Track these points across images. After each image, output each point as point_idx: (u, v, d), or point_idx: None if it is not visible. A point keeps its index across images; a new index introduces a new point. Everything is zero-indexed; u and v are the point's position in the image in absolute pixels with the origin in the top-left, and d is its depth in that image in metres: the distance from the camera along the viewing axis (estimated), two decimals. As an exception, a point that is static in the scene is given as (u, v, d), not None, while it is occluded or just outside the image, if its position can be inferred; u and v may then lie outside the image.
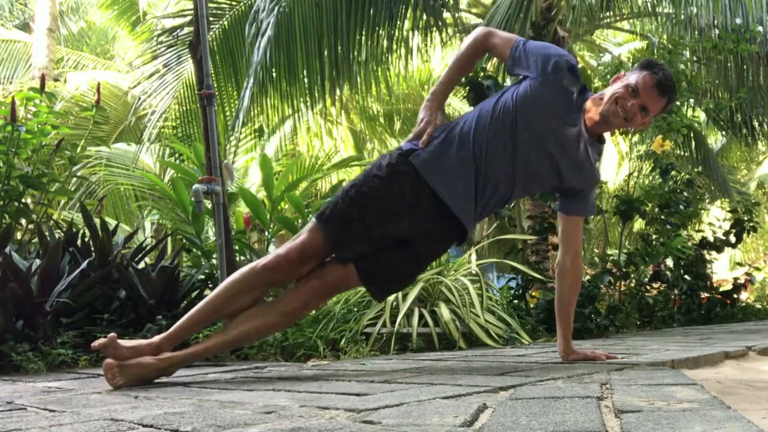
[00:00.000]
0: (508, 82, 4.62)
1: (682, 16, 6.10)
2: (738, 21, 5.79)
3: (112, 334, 2.01)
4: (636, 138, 5.95)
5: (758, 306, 7.32)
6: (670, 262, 5.75)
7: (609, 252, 5.63)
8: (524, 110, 2.21)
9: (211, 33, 6.33)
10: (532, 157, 2.23)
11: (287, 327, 2.60)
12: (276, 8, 5.54)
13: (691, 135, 7.75)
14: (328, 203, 2.26)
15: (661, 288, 5.71)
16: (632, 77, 2.25)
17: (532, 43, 2.31)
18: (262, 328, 2.19)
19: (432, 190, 2.19)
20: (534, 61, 2.24)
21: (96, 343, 2.00)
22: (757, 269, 8.44)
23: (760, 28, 6.00)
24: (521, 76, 2.32)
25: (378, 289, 2.28)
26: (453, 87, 2.44)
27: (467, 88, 4.61)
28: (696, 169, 7.83)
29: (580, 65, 8.81)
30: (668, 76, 2.25)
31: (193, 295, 3.46)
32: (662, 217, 5.26)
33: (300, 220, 3.94)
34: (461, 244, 2.47)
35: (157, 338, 2.10)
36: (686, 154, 8.15)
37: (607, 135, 2.42)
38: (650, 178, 5.99)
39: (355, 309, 3.46)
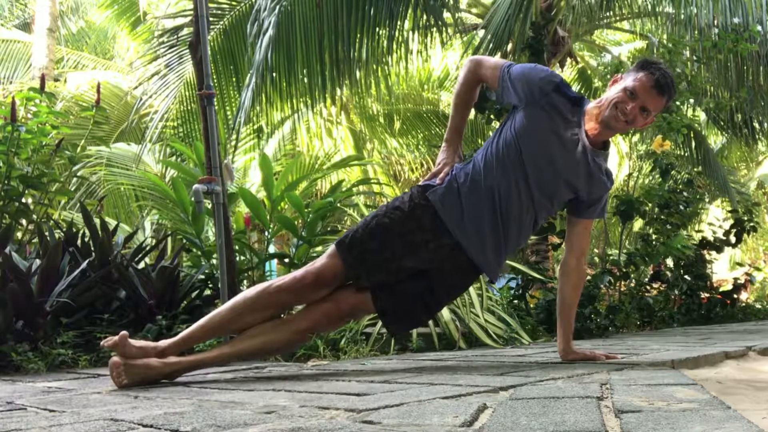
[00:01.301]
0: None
1: (682, 16, 6.10)
2: (736, 20, 5.78)
3: (124, 333, 2.01)
4: (636, 138, 5.95)
5: (758, 306, 7.32)
6: (670, 262, 5.75)
7: (609, 252, 5.62)
8: (525, 141, 2.23)
9: (211, 33, 6.34)
10: (544, 182, 2.25)
11: (296, 346, 2.60)
12: (277, 7, 5.54)
13: (691, 135, 7.74)
14: (348, 231, 2.28)
15: (661, 288, 5.71)
16: (629, 79, 2.24)
17: (515, 69, 2.31)
18: (271, 344, 2.20)
19: (449, 229, 2.21)
20: (521, 89, 2.25)
21: (109, 343, 1.99)
22: (757, 269, 8.44)
23: (759, 28, 6.00)
24: (514, 106, 2.33)
25: (393, 322, 2.27)
26: (464, 126, 2.46)
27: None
28: (696, 169, 7.82)
29: (580, 65, 8.83)
30: (665, 74, 2.25)
31: (193, 295, 3.46)
32: (662, 217, 5.26)
33: (300, 220, 3.94)
34: (492, 284, 2.50)
35: (164, 343, 2.10)
36: (686, 154, 8.14)
37: (609, 139, 2.42)
38: (650, 178, 5.99)
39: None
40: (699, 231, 6.78)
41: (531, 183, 2.24)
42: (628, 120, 2.24)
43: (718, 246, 6.16)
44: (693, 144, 8.18)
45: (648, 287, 5.60)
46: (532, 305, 4.44)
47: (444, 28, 6.12)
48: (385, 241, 2.19)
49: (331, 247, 2.24)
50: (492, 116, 4.84)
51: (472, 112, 3.51)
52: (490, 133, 2.51)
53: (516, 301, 4.43)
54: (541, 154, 2.24)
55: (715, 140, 11.61)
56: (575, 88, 8.67)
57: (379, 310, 2.22)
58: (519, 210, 2.25)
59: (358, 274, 2.19)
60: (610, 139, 2.42)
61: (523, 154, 2.23)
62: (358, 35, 5.88)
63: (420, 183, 2.35)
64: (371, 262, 2.18)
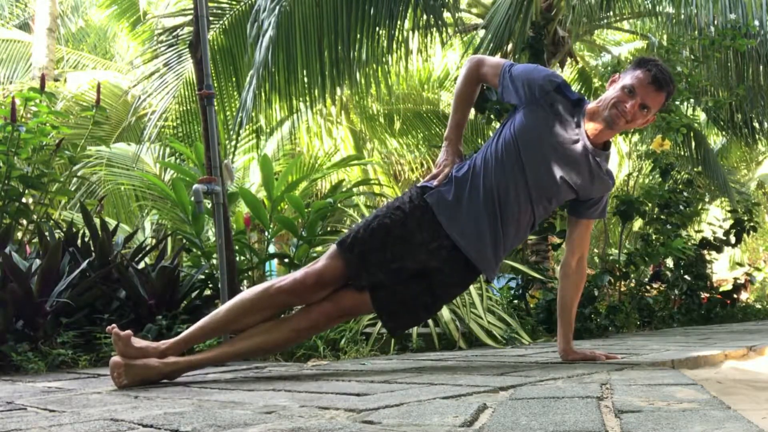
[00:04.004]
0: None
1: (682, 16, 6.10)
2: (732, 17, 5.78)
3: (128, 332, 2.02)
4: (636, 138, 5.95)
5: (758, 306, 7.33)
6: (670, 262, 5.75)
7: (609, 252, 5.62)
8: (524, 140, 2.23)
9: (211, 33, 6.34)
10: (543, 184, 2.25)
11: (294, 344, 2.61)
12: (277, 8, 5.54)
13: (691, 135, 7.75)
14: (349, 231, 2.28)
15: (661, 288, 5.71)
16: (627, 78, 2.25)
17: (516, 68, 2.31)
18: (270, 343, 2.20)
19: (446, 230, 2.22)
20: (521, 88, 2.26)
21: (115, 329, 2.01)
22: (757, 269, 8.44)
23: (756, 22, 6.00)
24: (514, 106, 2.33)
25: (391, 321, 2.27)
26: (464, 125, 2.45)
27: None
28: (696, 169, 7.83)
29: (580, 65, 8.83)
30: (663, 70, 2.25)
31: (193, 295, 3.46)
32: (662, 217, 5.26)
33: (300, 220, 3.94)
34: (489, 283, 2.50)
35: (164, 343, 2.10)
36: (686, 154, 8.15)
37: (609, 139, 2.42)
38: (650, 178, 5.99)
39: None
40: (699, 231, 6.78)
41: (530, 183, 2.24)
42: (629, 118, 2.24)
43: (718, 246, 6.16)
44: (693, 144, 8.18)
45: (648, 287, 5.60)
46: (532, 305, 4.44)
47: (444, 28, 6.12)
48: (386, 242, 2.19)
49: (332, 248, 2.24)
50: (492, 116, 4.84)
51: (472, 111, 3.51)
52: (491, 133, 2.52)
53: (516, 301, 4.43)
54: (540, 154, 2.24)
55: (715, 140, 11.61)
56: (575, 88, 8.66)
57: (378, 310, 2.22)
58: (517, 210, 2.26)
59: (358, 274, 2.19)
60: (610, 140, 2.42)
61: (521, 154, 2.23)
62: (358, 35, 5.88)
63: (419, 184, 2.35)
64: (372, 261, 2.18)
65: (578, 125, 2.26)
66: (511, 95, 2.30)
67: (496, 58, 2.49)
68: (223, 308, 2.21)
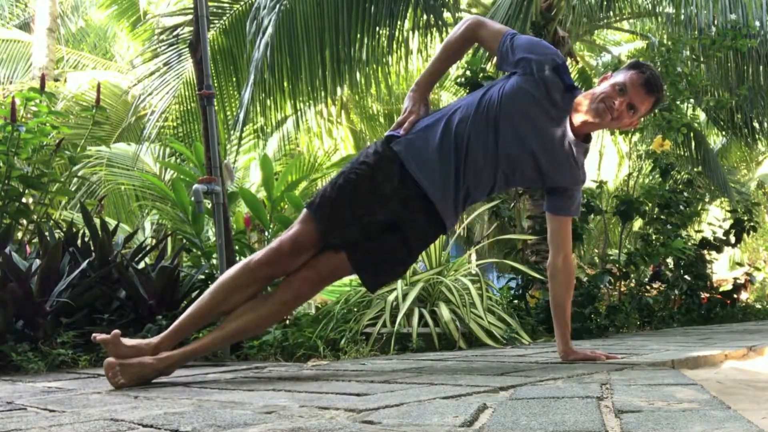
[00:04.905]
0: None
1: (682, 17, 6.10)
2: (733, 17, 5.78)
3: (116, 331, 2.01)
4: (636, 138, 5.95)
5: (758, 306, 7.32)
6: (670, 261, 5.75)
7: (609, 252, 5.62)
8: (508, 106, 2.21)
9: (211, 32, 6.33)
10: (512, 152, 2.23)
11: (282, 317, 2.60)
12: (277, 6, 5.54)
13: (691, 135, 7.75)
14: (317, 192, 2.27)
15: (661, 288, 5.70)
16: (620, 76, 2.25)
17: (519, 38, 2.29)
18: (258, 319, 2.18)
19: (415, 178, 2.20)
20: (520, 59, 2.24)
21: (99, 337, 2.00)
22: (757, 269, 8.45)
23: (757, 23, 6.00)
24: (510, 72, 2.31)
25: (370, 278, 2.25)
26: (439, 76, 2.42)
27: (467, 88, 4.61)
28: (696, 169, 7.83)
29: (580, 65, 8.83)
30: (655, 76, 2.25)
31: (193, 295, 3.46)
32: (662, 217, 5.26)
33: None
34: (445, 233, 2.47)
35: (155, 338, 2.09)
36: (686, 154, 8.14)
37: (607, 135, 2.43)
38: (650, 178, 5.99)
39: (355, 309, 3.46)
40: (699, 231, 6.78)
41: (500, 145, 2.21)
42: (615, 115, 2.23)
43: (718, 246, 6.16)
44: (693, 144, 8.18)
45: (648, 287, 5.60)
46: (532, 305, 4.44)
47: (444, 28, 6.12)
48: (354, 196, 2.16)
49: (303, 212, 2.22)
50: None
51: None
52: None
53: (516, 301, 4.43)
54: (518, 124, 2.21)
55: (715, 140, 11.61)
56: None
57: (356, 269, 2.20)
58: (482, 164, 2.22)
59: (331, 232, 2.16)
60: (591, 134, 2.41)
61: (500, 116, 2.20)
62: (359, 34, 5.89)
63: (385, 134, 2.31)
64: (343, 219, 2.15)
65: (565, 110, 2.26)
66: (508, 62, 2.27)
67: (499, 24, 2.44)
68: (207, 292, 2.19)
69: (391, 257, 2.23)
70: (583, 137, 2.33)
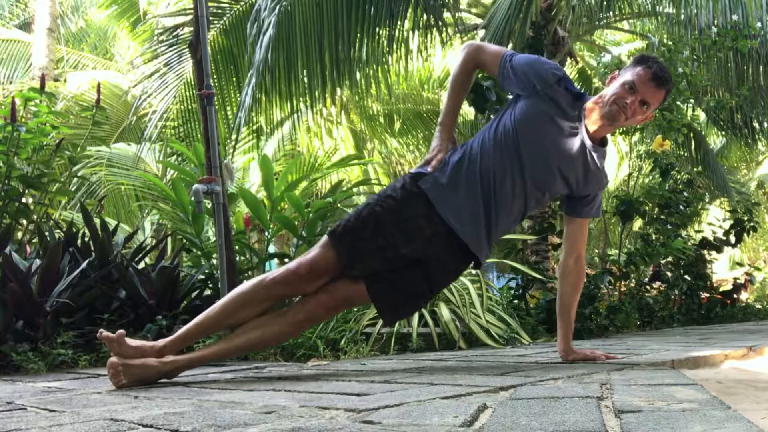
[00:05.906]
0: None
1: (682, 17, 6.10)
2: (735, 18, 5.79)
3: (121, 331, 2.01)
4: (636, 138, 5.95)
5: (758, 306, 7.33)
6: (669, 259, 5.75)
7: (609, 252, 5.62)
8: (523, 130, 2.23)
9: (211, 32, 6.33)
10: (539, 177, 2.25)
11: (291, 338, 2.60)
12: (277, 7, 5.54)
13: (691, 135, 7.75)
14: (341, 221, 2.26)
15: (661, 288, 5.71)
16: (628, 74, 2.26)
17: (518, 58, 2.31)
18: (267, 337, 2.19)
19: (442, 217, 2.21)
20: (522, 78, 2.26)
21: (104, 335, 2.00)
22: (757, 269, 8.44)
23: (759, 24, 6.00)
24: (515, 94, 2.33)
25: (387, 310, 2.25)
26: (458, 111, 2.44)
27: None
28: (696, 169, 7.83)
29: (580, 65, 8.83)
30: (663, 68, 2.26)
31: (193, 295, 3.46)
32: (662, 217, 5.26)
33: (300, 220, 3.94)
34: (478, 268, 2.48)
35: (161, 342, 2.10)
36: (686, 154, 8.14)
37: (607, 135, 2.43)
38: (650, 178, 5.99)
39: (355, 309, 3.46)
40: (699, 231, 6.78)
41: (526, 173, 2.23)
42: (629, 115, 2.25)
43: (718, 246, 6.16)
44: (693, 144, 8.18)
45: (648, 287, 5.60)
46: (532, 305, 4.44)
47: (444, 28, 6.12)
48: (377, 230, 2.17)
49: (324, 237, 2.23)
50: (492, 116, 4.84)
51: (472, 111, 3.51)
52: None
53: (516, 301, 4.43)
54: (539, 145, 2.23)
55: (715, 140, 11.61)
56: (575, 88, 8.64)
57: (374, 301, 2.21)
58: (511, 197, 2.24)
59: (351, 264, 2.17)
60: (608, 136, 2.42)
61: (520, 143, 2.22)
62: (358, 35, 5.88)
63: (412, 171, 2.33)
64: (363, 250, 2.16)
65: (578, 119, 2.27)
66: (511, 84, 2.30)
67: (496, 46, 2.48)
68: (218, 303, 2.20)
69: (412, 293, 2.23)
70: (600, 141, 2.34)
